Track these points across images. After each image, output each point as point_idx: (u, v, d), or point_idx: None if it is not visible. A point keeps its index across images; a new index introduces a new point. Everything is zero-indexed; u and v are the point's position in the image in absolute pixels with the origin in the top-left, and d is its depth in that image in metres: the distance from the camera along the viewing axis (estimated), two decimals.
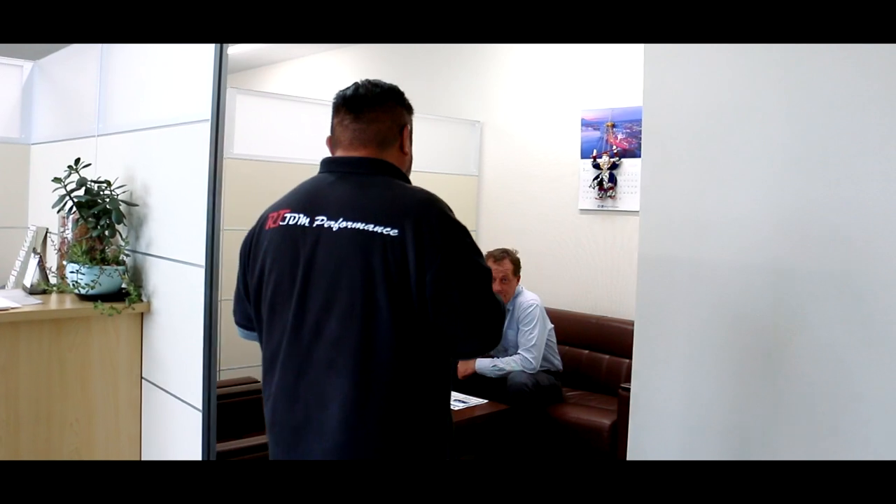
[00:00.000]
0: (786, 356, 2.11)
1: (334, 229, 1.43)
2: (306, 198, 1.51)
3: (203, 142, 2.14)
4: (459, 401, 3.61)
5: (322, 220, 1.45)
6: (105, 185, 2.41)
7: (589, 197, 4.54)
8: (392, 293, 1.38)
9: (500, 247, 4.02)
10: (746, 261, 2.25)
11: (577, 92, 4.60)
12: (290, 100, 4.40)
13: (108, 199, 2.35)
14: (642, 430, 2.51)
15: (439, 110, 5.14)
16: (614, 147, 4.39)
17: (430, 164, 4.90)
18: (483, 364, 3.80)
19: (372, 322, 1.38)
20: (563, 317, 4.48)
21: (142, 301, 2.39)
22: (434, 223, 1.41)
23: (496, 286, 3.73)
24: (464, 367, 3.78)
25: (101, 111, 2.81)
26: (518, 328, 3.89)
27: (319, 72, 6.73)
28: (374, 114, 1.55)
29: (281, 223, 1.50)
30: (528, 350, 3.80)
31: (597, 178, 4.47)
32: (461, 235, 1.44)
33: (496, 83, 5.14)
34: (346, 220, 1.43)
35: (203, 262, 2.12)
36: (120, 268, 2.37)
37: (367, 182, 1.49)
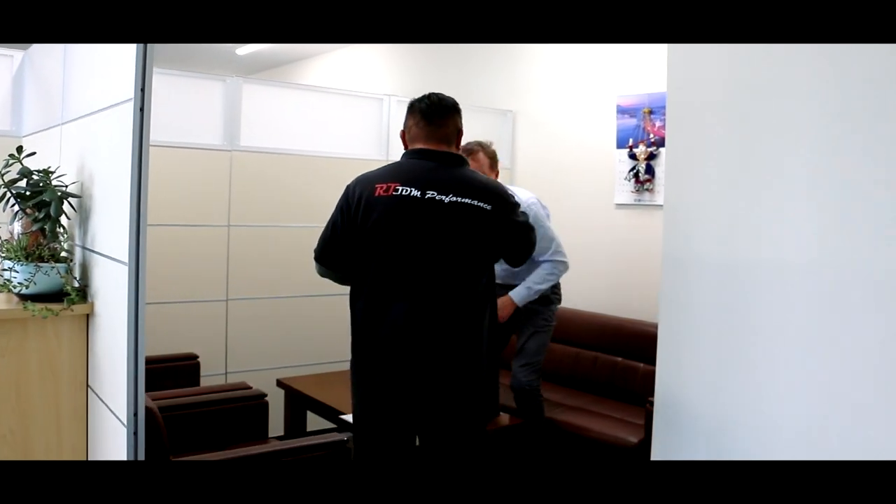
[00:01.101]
0: (833, 363, 1.84)
1: (445, 202, 2.09)
2: (410, 175, 2.13)
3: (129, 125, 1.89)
4: None
5: (433, 194, 2.09)
6: (44, 174, 2.21)
7: (625, 190, 4.16)
8: (482, 247, 2.13)
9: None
10: (784, 260, 2.00)
11: (612, 77, 4.23)
12: (301, 89, 4.17)
13: (46, 190, 2.15)
14: (667, 446, 2.34)
15: (470, 100, 4.80)
16: (652, 135, 4.00)
17: None
18: (519, 294, 3.35)
19: (469, 264, 2.12)
20: (596, 321, 4.13)
21: (86, 301, 2.18)
22: (506, 200, 2.18)
23: None
24: (505, 311, 3.32)
25: (64, 97, 2.63)
26: None
27: (354, 64, 6.52)
28: (441, 120, 2.20)
29: (394, 193, 2.10)
30: (551, 254, 3.37)
31: (633, 169, 4.09)
32: (516, 205, 2.22)
33: (528, 70, 4.80)
34: (455, 195, 2.09)
35: (127, 260, 1.88)
36: (60, 265, 2.16)
37: (455, 169, 2.17)
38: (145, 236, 1.90)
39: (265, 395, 3.07)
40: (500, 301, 3.26)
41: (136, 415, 1.85)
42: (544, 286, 3.34)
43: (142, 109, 1.85)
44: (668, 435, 2.36)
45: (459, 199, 2.09)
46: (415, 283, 2.09)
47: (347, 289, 2.26)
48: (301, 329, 4.10)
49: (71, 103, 2.55)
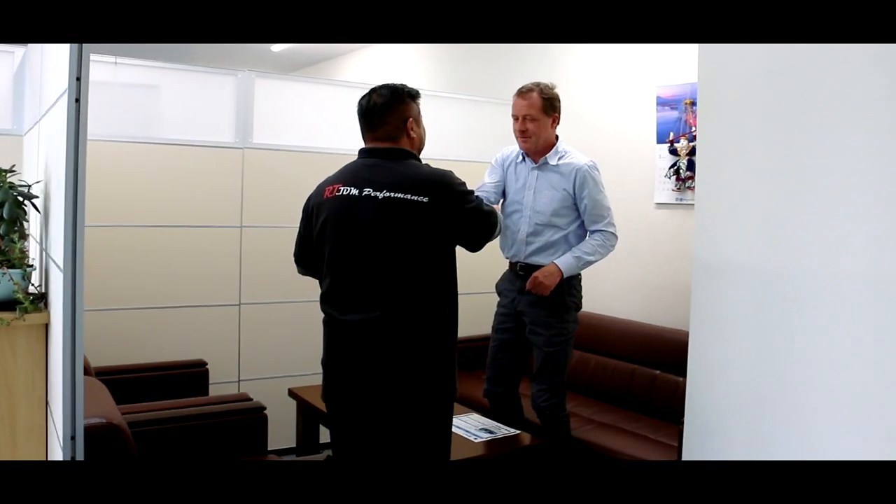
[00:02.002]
0: (890, 388, 1.61)
1: (380, 198, 2.06)
2: (352, 175, 2.15)
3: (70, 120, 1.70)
4: (486, 430, 3.05)
5: (369, 191, 2.08)
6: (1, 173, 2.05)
7: (665, 188, 3.84)
8: (422, 241, 2.08)
9: None
10: (833, 270, 1.78)
11: (651, 66, 3.91)
12: (316, 83, 3.97)
13: None
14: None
15: (504, 93, 4.54)
16: (694, 129, 3.67)
17: (488, 152, 4.36)
18: (567, 263, 2.96)
19: (412, 260, 2.08)
20: (633, 330, 3.82)
21: (42, 310, 2.01)
22: (449, 191, 2.10)
23: (518, 125, 3.05)
24: (550, 280, 2.94)
25: (41, 92, 2.49)
26: (576, 197, 3.03)
27: (390, 60, 6.32)
28: (382, 119, 2.17)
29: (337, 194, 2.13)
30: (605, 224, 3.01)
31: (673, 165, 3.76)
32: (463, 192, 2.14)
33: (564, 63, 4.51)
34: (388, 191, 2.06)
35: (62, 264, 1.69)
36: (14, 271, 2.00)
37: (395, 165, 2.13)
38: (83, 239, 1.69)
39: (264, 409, 2.87)
40: (545, 270, 2.96)
41: (73, 438, 1.66)
42: (594, 258, 3.01)
43: (77, 101, 1.65)
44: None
45: (393, 195, 2.05)
46: (359, 286, 2.10)
47: None
48: (319, 335, 3.90)
49: (43, 98, 2.40)
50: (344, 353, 2.14)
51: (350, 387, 2.14)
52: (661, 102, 3.82)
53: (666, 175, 3.81)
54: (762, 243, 2.02)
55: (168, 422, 2.62)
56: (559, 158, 3.08)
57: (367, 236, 2.08)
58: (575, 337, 3.12)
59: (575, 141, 4.42)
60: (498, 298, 3.23)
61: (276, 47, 6.70)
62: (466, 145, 4.26)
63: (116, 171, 3.37)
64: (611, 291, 4.12)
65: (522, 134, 3.06)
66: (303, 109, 3.83)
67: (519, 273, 3.08)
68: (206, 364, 3.50)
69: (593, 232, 3.02)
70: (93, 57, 3.30)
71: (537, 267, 2.99)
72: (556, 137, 3.13)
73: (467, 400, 3.82)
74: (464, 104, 4.46)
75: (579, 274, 3.09)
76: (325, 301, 2.21)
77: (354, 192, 2.10)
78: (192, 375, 3.45)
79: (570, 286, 3.02)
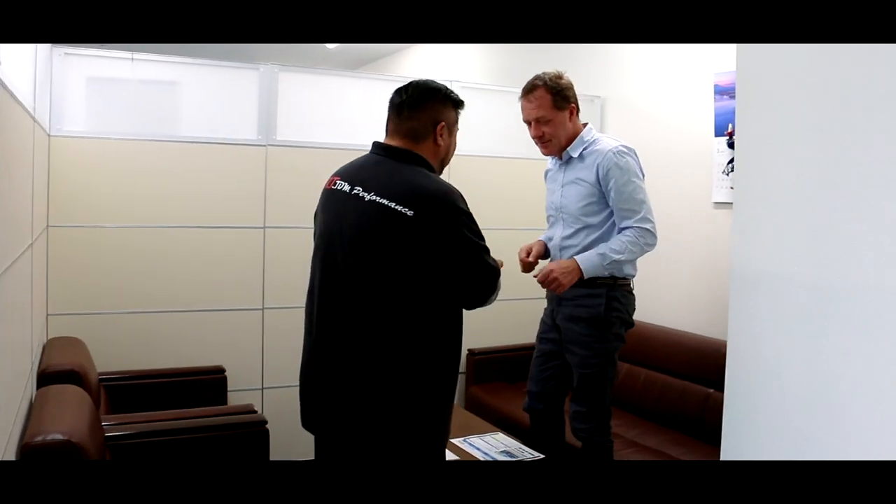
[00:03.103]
0: None
1: (366, 199, 1.83)
2: (353, 170, 1.95)
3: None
4: (506, 452, 2.78)
5: (359, 190, 1.86)
6: None
7: (724, 186, 3.46)
8: (398, 259, 1.78)
9: None
10: (892, 282, 1.55)
11: (709, 51, 3.54)
12: (345, 76, 3.77)
13: None
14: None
15: None
16: None
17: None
18: (588, 261, 2.57)
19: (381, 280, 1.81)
20: (687, 343, 3.48)
21: None
22: (443, 209, 1.79)
23: (532, 131, 2.68)
24: (567, 280, 2.56)
25: None
26: (606, 188, 2.63)
27: (448, 54, 6.09)
28: (411, 113, 1.92)
29: (333, 187, 1.94)
30: (638, 220, 2.59)
31: (733, 161, 3.38)
32: (462, 217, 1.82)
33: (618, 52, 4.18)
34: (376, 194, 1.81)
35: None
36: None
37: (400, 168, 1.87)
38: None
39: (265, 423, 2.70)
40: (563, 264, 2.60)
41: None
42: (623, 257, 2.58)
43: None
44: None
45: (377, 200, 1.82)
46: (333, 297, 1.88)
47: None
48: None
49: None
50: (315, 374, 1.93)
51: (320, 415, 1.93)
52: (720, 91, 3.44)
53: (724, 171, 3.44)
54: (808, 255, 1.81)
55: (155, 435, 2.48)
56: (584, 148, 2.69)
57: (344, 240, 1.86)
58: (621, 349, 2.78)
59: (632, 136, 4.09)
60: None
61: (332, 45, 6.59)
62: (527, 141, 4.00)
63: (134, 170, 3.28)
64: (663, 299, 3.78)
65: (540, 140, 2.70)
66: (329, 104, 3.65)
67: None
68: (225, 371, 3.38)
69: (623, 229, 2.63)
70: (108, 53, 3.26)
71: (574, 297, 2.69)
72: (583, 126, 2.75)
73: (502, 415, 3.57)
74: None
75: (627, 283, 2.73)
76: (306, 307, 2.01)
77: (347, 188, 1.89)
78: (209, 382, 3.33)
79: (611, 297, 2.66)
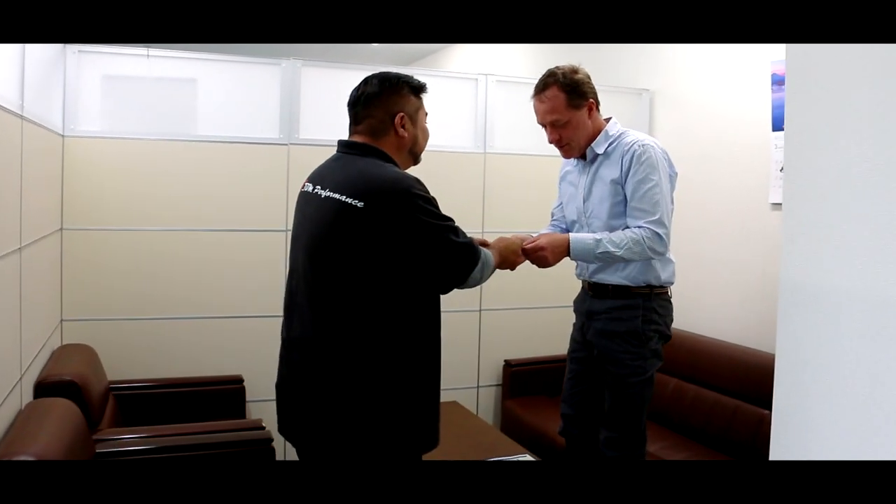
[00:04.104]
0: None
1: (322, 196, 1.77)
2: (318, 170, 1.90)
3: None
4: None
5: (318, 189, 1.80)
6: None
7: (782, 186, 3.13)
8: (351, 253, 1.70)
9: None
10: None
11: None
12: (370, 70, 3.55)
13: None
14: None
15: (602, 79, 3.97)
16: None
17: None
18: (581, 242, 2.28)
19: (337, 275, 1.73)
20: (741, 357, 3.17)
21: None
22: (392, 197, 1.69)
23: (549, 135, 2.41)
24: (554, 258, 2.26)
25: None
26: (624, 182, 2.34)
27: (496, 48, 5.86)
28: (366, 110, 1.86)
29: (303, 189, 1.88)
30: (650, 221, 2.27)
31: None
32: (418, 201, 1.71)
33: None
34: (331, 190, 1.75)
35: None
36: None
37: (354, 162, 1.80)
38: None
39: (271, 441, 2.53)
40: (554, 241, 2.28)
41: None
42: (620, 252, 2.25)
43: None
44: None
45: (330, 195, 1.75)
46: (299, 297, 1.82)
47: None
48: None
49: None
50: (286, 380, 1.86)
51: (292, 423, 1.84)
52: (778, 81, 3.12)
53: (782, 170, 3.11)
54: (867, 263, 1.50)
55: (152, 452, 2.34)
56: (609, 144, 2.40)
57: (307, 241, 1.81)
58: (665, 360, 2.51)
59: (682, 132, 3.81)
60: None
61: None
62: None
63: (151, 171, 3.16)
64: (713, 307, 3.47)
65: (558, 144, 2.43)
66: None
67: (588, 293, 2.52)
68: (243, 380, 3.23)
69: (634, 227, 2.30)
70: (124, 51, 3.14)
71: (607, 287, 2.43)
72: (606, 121, 2.45)
73: (537, 433, 3.33)
74: None
75: (665, 291, 2.45)
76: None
77: (310, 188, 1.85)
78: (227, 392, 3.19)
79: (648, 309, 2.38)
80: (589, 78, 2.39)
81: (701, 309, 3.53)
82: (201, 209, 3.24)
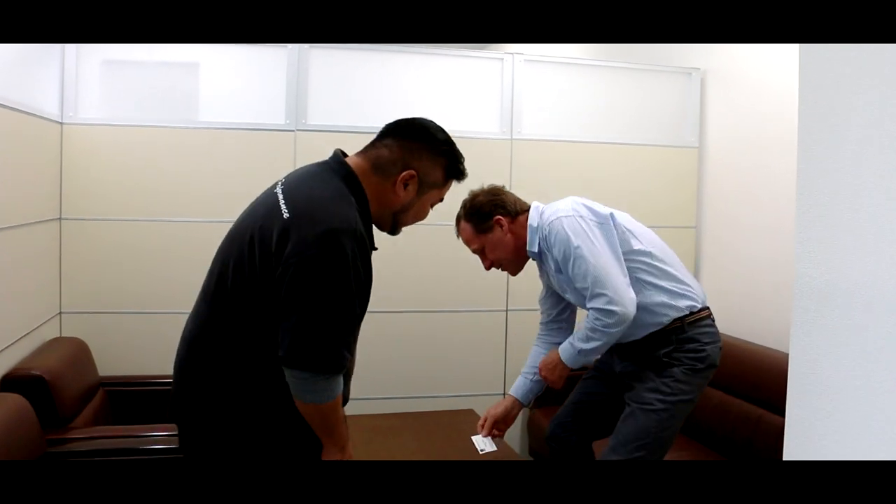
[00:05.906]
0: None
1: (273, 191, 1.61)
2: (295, 171, 1.73)
3: None
4: None
5: (279, 183, 1.64)
6: None
7: None
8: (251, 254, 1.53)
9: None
10: None
11: None
12: (383, 51, 3.33)
13: None
14: None
15: (647, 58, 3.65)
16: None
17: (629, 132, 3.51)
18: (566, 352, 2.26)
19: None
20: (777, 363, 2.79)
21: None
22: (310, 232, 1.46)
23: (483, 262, 2.37)
24: (555, 375, 2.29)
25: None
26: (562, 269, 2.26)
27: None
28: (390, 140, 1.63)
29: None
30: (593, 298, 2.14)
31: None
32: (327, 265, 1.46)
33: None
34: (282, 187, 1.60)
35: None
36: None
37: (320, 173, 1.61)
38: None
39: None
40: (548, 361, 2.31)
41: None
42: (589, 346, 2.18)
43: None
44: None
45: (277, 191, 1.59)
46: (205, 284, 1.73)
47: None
48: (400, 351, 3.34)
49: None
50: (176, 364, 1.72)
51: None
52: None
53: None
54: (886, 263, 1.23)
55: (103, 454, 2.19)
56: (540, 238, 2.28)
57: (234, 229, 1.67)
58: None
59: (735, 116, 3.44)
60: None
61: None
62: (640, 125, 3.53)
63: (153, 159, 3.06)
64: (761, 314, 3.09)
65: (494, 267, 2.38)
66: (364, 84, 3.25)
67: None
68: None
69: (589, 309, 2.19)
70: None
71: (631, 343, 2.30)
72: (525, 214, 2.32)
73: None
74: (632, 74, 3.61)
75: (702, 316, 2.25)
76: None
77: (276, 184, 1.67)
78: None
79: (682, 340, 2.22)
80: (495, 193, 2.33)
81: (742, 312, 3.15)
82: (205, 199, 3.11)
